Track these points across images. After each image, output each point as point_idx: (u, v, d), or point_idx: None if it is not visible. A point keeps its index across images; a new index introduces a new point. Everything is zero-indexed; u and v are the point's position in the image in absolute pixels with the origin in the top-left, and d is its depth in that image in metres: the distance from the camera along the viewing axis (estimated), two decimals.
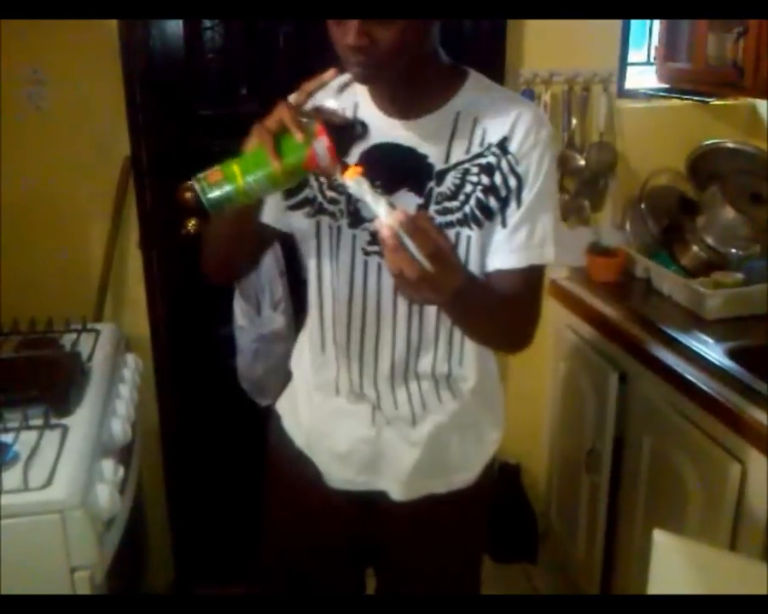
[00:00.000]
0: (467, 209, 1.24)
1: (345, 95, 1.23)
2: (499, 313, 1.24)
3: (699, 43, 2.26)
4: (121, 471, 1.46)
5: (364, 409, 1.37)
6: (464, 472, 1.44)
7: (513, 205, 1.24)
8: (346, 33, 1.09)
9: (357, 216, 1.28)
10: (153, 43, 2.05)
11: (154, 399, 2.24)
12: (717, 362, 1.85)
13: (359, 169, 1.05)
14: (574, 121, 2.34)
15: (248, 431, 1.88)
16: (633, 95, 2.48)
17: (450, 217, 1.25)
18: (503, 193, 1.23)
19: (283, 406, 1.52)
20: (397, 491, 1.40)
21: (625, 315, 2.18)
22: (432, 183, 1.24)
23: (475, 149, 1.24)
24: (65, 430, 1.45)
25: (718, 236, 2.26)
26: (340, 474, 1.42)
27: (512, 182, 1.23)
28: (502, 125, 1.23)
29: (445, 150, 1.24)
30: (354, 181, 1.04)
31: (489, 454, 1.48)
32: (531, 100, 2.27)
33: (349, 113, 1.24)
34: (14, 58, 2.00)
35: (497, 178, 1.23)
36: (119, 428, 1.58)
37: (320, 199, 1.30)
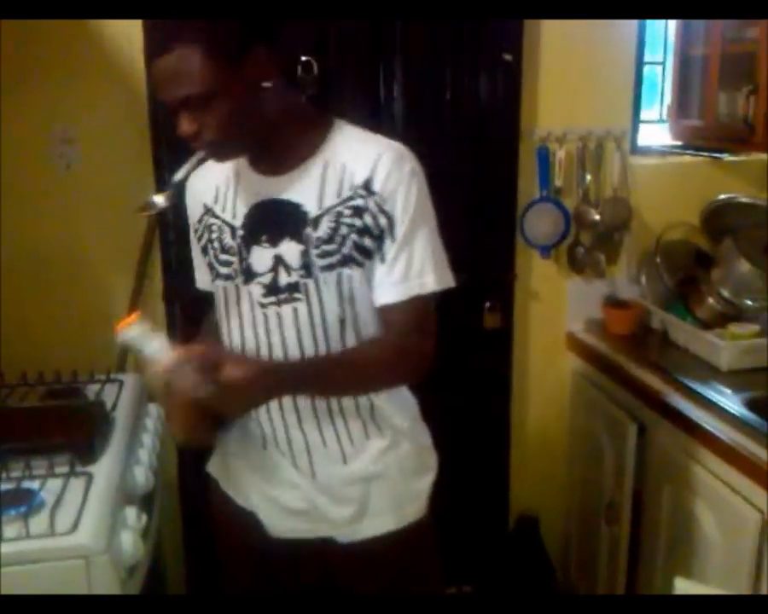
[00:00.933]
0: (345, 250, 1.30)
1: (227, 164, 1.36)
2: (365, 368, 1.31)
3: (710, 101, 2.32)
4: (144, 518, 1.48)
5: (293, 456, 1.39)
6: (410, 505, 1.44)
7: (388, 241, 1.29)
8: (179, 125, 1.23)
9: (249, 272, 1.34)
10: None
11: (173, 448, 2.27)
12: (735, 412, 1.86)
13: (132, 318, 1.20)
14: (589, 177, 2.39)
15: None
16: (646, 151, 2.53)
17: (330, 260, 1.30)
18: (376, 232, 1.29)
19: (216, 468, 1.54)
20: (343, 534, 1.41)
21: (642, 367, 2.19)
22: (309, 229, 1.30)
23: (345, 193, 1.29)
24: (90, 477, 1.47)
25: (733, 288, 2.28)
26: (282, 525, 1.43)
27: (382, 220, 1.29)
28: (364, 167, 1.29)
29: (317, 197, 1.30)
30: (124, 334, 1.19)
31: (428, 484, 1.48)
32: (545, 158, 2.34)
33: (231, 176, 1.38)
34: (45, 117, 2.08)
35: (368, 219, 1.28)
36: (142, 476, 1.60)
37: (215, 264, 1.39)
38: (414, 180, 1.29)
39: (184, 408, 1.18)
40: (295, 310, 1.32)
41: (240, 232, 1.35)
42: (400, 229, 1.29)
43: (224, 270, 1.37)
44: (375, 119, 2.20)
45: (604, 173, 2.41)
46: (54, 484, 1.44)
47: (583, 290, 2.50)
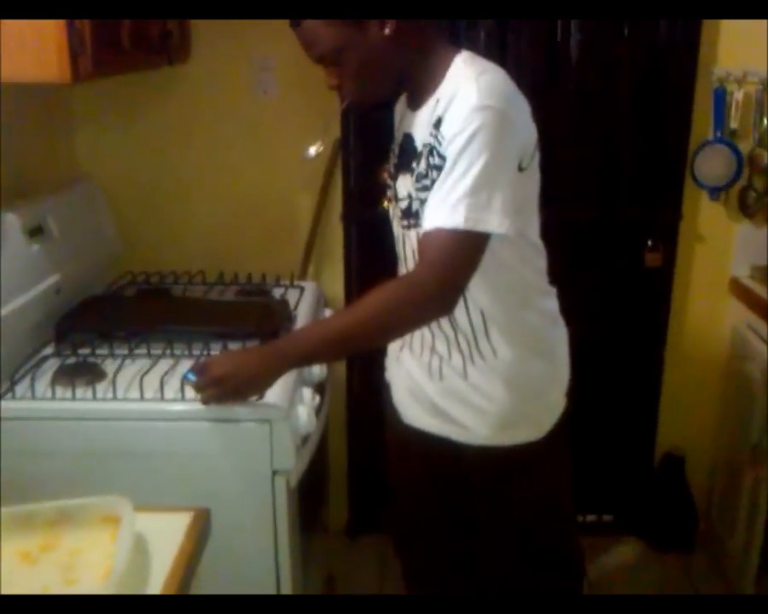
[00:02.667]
0: (430, 184, 1.37)
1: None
2: (374, 314, 1.37)
3: None
4: (317, 398, 1.71)
5: (419, 361, 1.54)
6: (522, 429, 1.51)
7: (441, 175, 1.33)
8: (327, 81, 1.43)
9: (396, 196, 1.50)
10: None
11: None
12: None
13: None
14: (766, 121, 2.35)
15: None
16: None
17: (425, 194, 1.38)
18: (436, 171, 1.34)
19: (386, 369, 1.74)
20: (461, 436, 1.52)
21: None
22: (414, 164, 1.41)
23: (431, 129, 1.37)
24: None
25: None
26: (412, 415, 1.60)
27: (438, 160, 1.34)
28: (444, 106, 1.35)
29: (424, 134, 1.40)
30: None
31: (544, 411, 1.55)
32: (721, 98, 2.32)
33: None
34: (249, 47, 2.32)
35: (435, 155, 1.35)
36: (317, 365, 1.83)
37: (388, 182, 1.56)
38: (476, 117, 1.28)
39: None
40: (416, 235, 1.44)
41: (394, 160, 1.53)
42: (447, 162, 1.32)
43: (389, 194, 1.56)
44: (548, 56, 2.27)
45: None
46: None
47: (751, 235, 2.47)
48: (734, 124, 2.36)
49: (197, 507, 1.24)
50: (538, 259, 1.54)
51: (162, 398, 1.54)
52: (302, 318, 1.98)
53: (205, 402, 1.48)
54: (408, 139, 1.47)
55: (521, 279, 1.49)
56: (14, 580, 1.06)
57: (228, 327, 1.80)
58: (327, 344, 1.43)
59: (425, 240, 1.36)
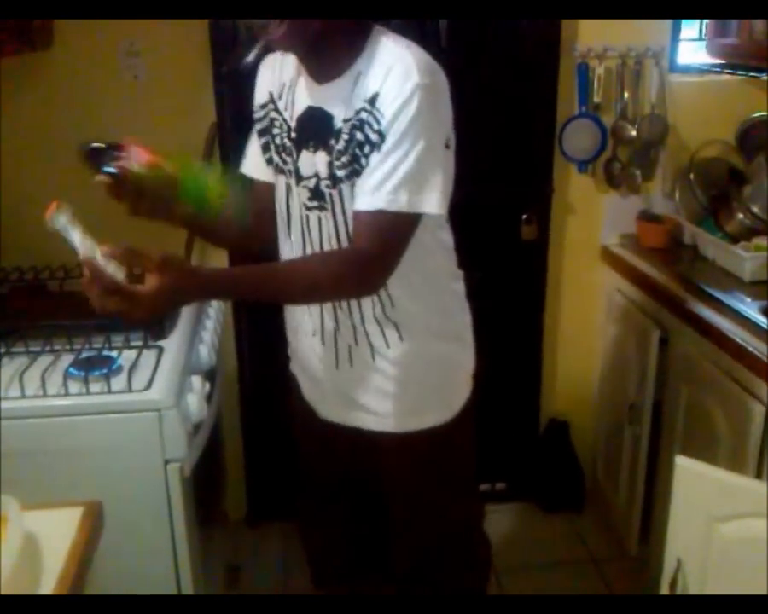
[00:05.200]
0: (354, 163, 1.33)
1: (292, 65, 1.43)
2: (304, 277, 1.32)
3: (746, 21, 2.36)
4: (207, 386, 1.69)
5: (330, 348, 1.51)
6: (432, 412, 1.52)
7: (375, 152, 1.30)
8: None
9: (298, 174, 1.42)
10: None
11: (232, 342, 2.48)
12: (752, 318, 1.97)
13: (53, 206, 1.21)
14: (627, 94, 2.48)
15: None
16: (685, 69, 2.58)
17: (345, 172, 1.35)
18: (368, 147, 1.31)
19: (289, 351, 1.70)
20: (374, 425, 1.52)
21: (670, 278, 2.30)
22: (332, 141, 1.36)
23: (359, 105, 1.32)
24: (160, 350, 1.69)
25: (763, 204, 2.36)
26: (323, 409, 1.59)
27: (373, 135, 1.30)
28: (375, 82, 1.30)
29: (344, 109, 1.34)
30: (49, 221, 1.20)
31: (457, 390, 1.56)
32: (585, 74, 2.43)
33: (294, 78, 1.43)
34: (114, 33, 2.24)
35: (368, 132, 1.30)
36: (206, 352, 1.81)
37: (276, 159, 1.47)
38: (417, 95, 1.26)
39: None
40: (325, 218, 1.41)
41: (293, 134, 1.44)
42: (388, 142, 1.28)
43: (283, 167, 1.46)
44: (418, 32, 2.30)
45: (642, 90, 2.49)
46: (129, 354, 1.66)
47: (618, 205, 2.61)
48: (597, 99, 2.47)
49: (87, 501, 1.21)
50: (450, 241, 1.54)
51: (45, 394, 1.49)
52: (188, 306, 1.94)
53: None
54: (316, 113, 1.39)
55: (435, 263, 1.48)
56: None
57: (110, 319, 1.75)
58: (258, 289, 1.34)
59: (365, 221, 1.31)
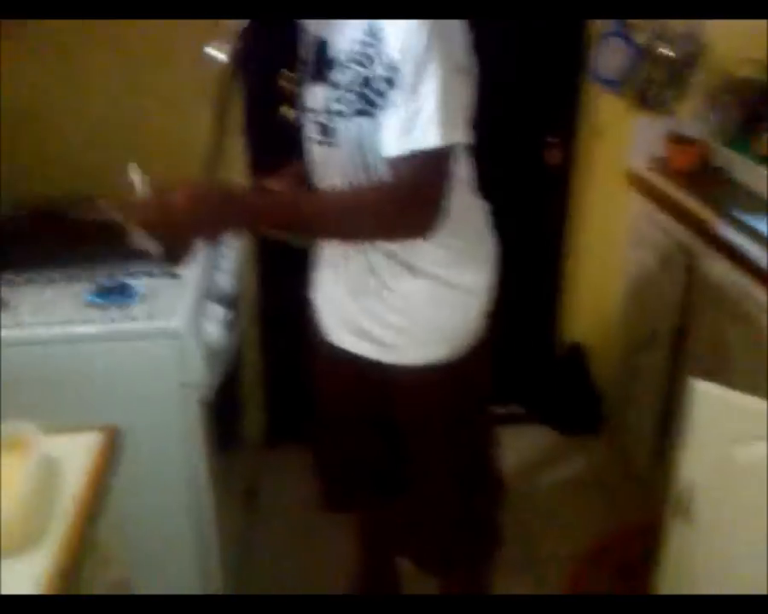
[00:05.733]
0: (355, 98, 1.28)
1: None
2: (349, 213, 1.29)
3: None
4: (227, 312, 1.71)
5: (339, 278, 1.50)
6: (435, 346, 1.49)
7: (393, 89, 1.24)
8: None
9: (306, 108, 1.41)
10: None
11: (253, 269, 2.50)
12: None
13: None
14: None
15: None
16: None
17: (351, 109, 1.30)
18: (382, 81, 1.24)
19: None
20: (386, 356, 1.50)
21: (699, 202, 2.25)
22: (332, 74, 1.31)
23: (358, 36, 1.26)
24: (179, 278, 1.70)
25: None
26: (336, 336, 1.58)
27: (386, 72, 1.24)
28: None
29: (340, 39, 1.29)
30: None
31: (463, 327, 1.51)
32: None
33: None
34: None
35: (377, 68, 1.24)
36: (225, 280, 1.82)
37: (298, 96, 1.46)
38: (430, 25, 1.20)
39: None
40: (332, 154, 1.37)
41: (303, 67, 1.42)
42: (406, 77, 1.22)
43: (300, 102, 1.44)
44: None
45: None
46: (150, 283, 1.68)
47: (649, 127, 2.53)
48: None
49: (105, 425, 1.24)
50: (465, 173, 1.48)
51: (68, 320, 1.51)
52: None
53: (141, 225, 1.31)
54: (322, 45, 1.35)
55: (452, 195, 1.41)
56: None
57: (129, 248, 1.76)
58: (295, 222, 1.32)
59: (403, 165, 1.26)
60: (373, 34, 1.25)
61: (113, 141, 2.33)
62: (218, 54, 1.43)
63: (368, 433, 1.69)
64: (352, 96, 1.29)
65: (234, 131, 2.39)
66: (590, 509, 2.49)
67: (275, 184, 1.55)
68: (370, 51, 1.25)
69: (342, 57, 1.30)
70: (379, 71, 1.25)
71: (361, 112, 1.29)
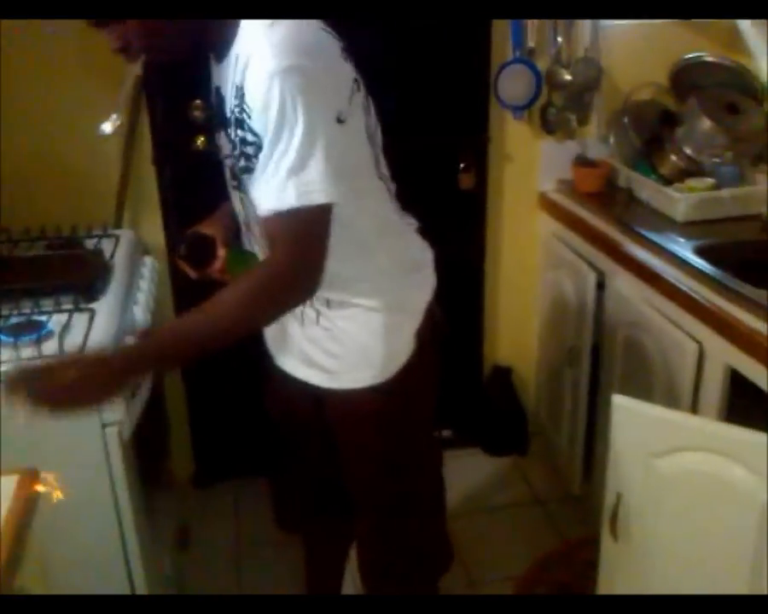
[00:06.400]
0: (240, 158, 1.30)
1: None
2: (243, 315, 1.29)
3: None
4: None
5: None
6: (368, 370, 1.50)
7: (258, 151, 1.25)
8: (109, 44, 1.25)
9: (221, 153, 1.42)
10: None
11: (171, 302, 2.44)
12: (684, 258, 2.00)
13: None
14: (560, 38, 2.47)
15: None
16: None
17: (239, 165, 1.32)
18: (251, 148, 1.27)
19: None
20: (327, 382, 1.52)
21: (606, 221, 2.33)
22: (229, 129, 1.32)
23: (234, 101, 1.28)
24: (92, 313, 1.64)
25: (695, 145, 2.40)
26: (280, 360, 1.59)
27: (250, 136, 1.25)
28: (240, 74, 1.24)
29: (231, 98, 1.29)
30: None
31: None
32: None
33: None
34: None
35: (246, 131, 1.26)
36: (140, 314, 1.77)
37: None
38: (276, 83, 1.18)
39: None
40: (245, 200, 1.39)
41: (211, 111, 1.44)
42: (264, 139, 1.23)
43: (215, 144, 1.46)
44: None
45: (576, 34, 2.48)
46: (60, 318, 1.61)
47: (555, 150, 2.62)
48: (531, 43, 2.46)
49: (22, 468, 1.18)
50: (379, 203, 1.48)
51: None
52: (120, 267, 1.90)
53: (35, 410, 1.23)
54: (219, 94, 1.36)
55: (358, 232, 1.42)
56: None
57: (39, 283, 1.71)
58: (187, 347, 1.32)
59: (268, 228, 1.28)
60: (240, 96, 1.25)
61: (23, 171, 2.26)
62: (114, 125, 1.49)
63: (315, 454, 1.69)
64: (238, 154, 1.31)
65: (145, 163, 2.35)
66: (527, 529, 2.52)
67: (208, 228, 1.55)
68: (242, 114, 1.26)
69: (229, 115, 1.31)
70: (247, 135, 1.26)
71: (246, 171, 1.31)
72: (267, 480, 1.87)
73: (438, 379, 1.65)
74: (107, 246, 2.02)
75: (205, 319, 1.30)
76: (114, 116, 1.51)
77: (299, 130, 1.20)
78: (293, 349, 1.54)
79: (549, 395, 2.75)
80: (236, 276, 1.48)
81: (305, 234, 1.27)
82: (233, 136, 1.31)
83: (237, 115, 1.27)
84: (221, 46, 1.30)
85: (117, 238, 2.08)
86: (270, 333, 1.60)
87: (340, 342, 1.48)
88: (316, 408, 1.57)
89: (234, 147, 1.32)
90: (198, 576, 2.27)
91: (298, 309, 1.46)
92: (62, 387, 1.21)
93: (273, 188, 1.23)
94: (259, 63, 1.20)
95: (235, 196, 1.46)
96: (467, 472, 2.78)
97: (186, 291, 2.44)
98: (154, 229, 2.37)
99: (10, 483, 1.16)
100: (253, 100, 1.22)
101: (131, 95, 2.25)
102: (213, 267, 1.51)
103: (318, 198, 1.23)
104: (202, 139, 2.38)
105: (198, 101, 2.34)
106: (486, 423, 2.88)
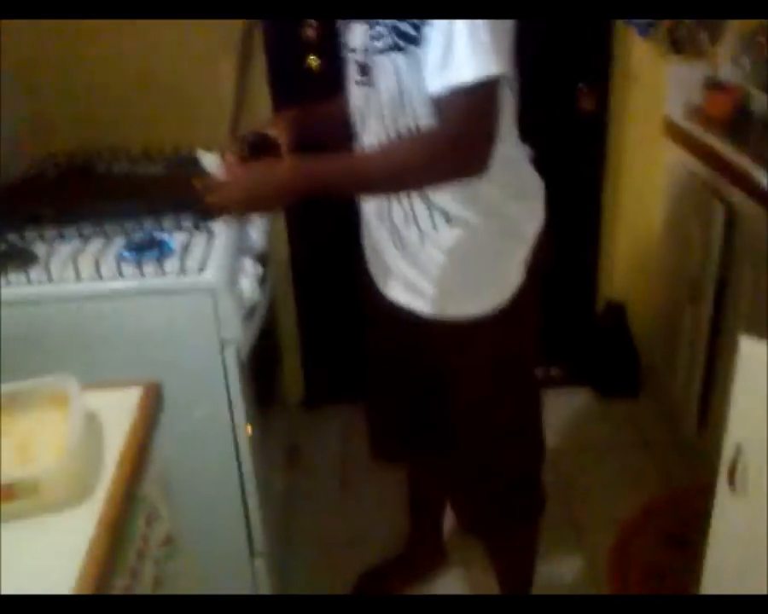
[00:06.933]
0: (390, 34, 1.26)
1: None
2: (396, 164, 1.29)
3: None
4: (259, 268, 1.67)
5: (386, 228, 1.47)
6: (478, 298, 1.46)
7: (425, 28, 1.22)
8: None
9: (347, 46, 1.40)
10: None
11: (284, 230, 2.46)
12: None
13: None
14: None
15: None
16: None
17: (380, 44, 1.29)
18: (409, 28, 1.24)
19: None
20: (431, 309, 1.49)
21: (738, 151, 2.18)
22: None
23: None
24: (211, 232, 1.66)
25: None
26: (384, 286, 1.55)
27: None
28: None
29: None
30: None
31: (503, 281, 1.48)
32: None
33: None
34: None
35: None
36: (257, 235, 1.78)
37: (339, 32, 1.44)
38: None
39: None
40: (371, 95, 1.35)
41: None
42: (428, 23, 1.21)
43: (341, 39, 1.42)
44: None
45: None
46: (181, 237, 1.63)
47: (684, 73, 2.44)
48: None
49: (146, 381, 1.21)
50: (509, 121, 1.42)
51: (99, 277, 1.48)
52: None
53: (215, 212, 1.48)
54: None
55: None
56: None
57: (161, 201, 1.73)
58: (350, 182, 1.35)
59: (444, 103, 1.24)
60: None
61: (139, 94, 2.30)
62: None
63: (417, 385, 1.66)
64: (386, 31, 1.27)
65: (259, 84, 2.34)
66: (634, 472, 2.44)
67: (272, 130, 1.56)
68: None
69: None
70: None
71: (395, 48, 1.27)
72: (364, 409, 1.86)
73: (540, 312, 1.59)
74: None
75: (380, 159, 1.35)
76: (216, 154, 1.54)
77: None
78: (397, 274, 1.51)
79: (666, 333, 2.63)
80: None
81: (480, 107, 1.24)
82: (385, 26, 1.27)
83: None
84: None
85: None
86: (373, 256, 1.58)
87: (446, 268, 1.44)
88: (418, 336, 1.55)
89: (381, 25, 1.28)
90: (304, 495, 2.33)
91: (400, 233, 1.44)
92: (240, 193, 1.37)
93: (452, 61, 1.20)
94: None
95: (359, 92, 1.40)
96: (574, 411, 2.72)
97: (296, 212, 2.48)
98: None
99: (135, 394, 1.19)
100: None
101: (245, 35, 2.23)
102: None
103: (495, 68, 1.20)
104: (315, 59, 2.36)
105: (311, 20, 2.32)
106: (598, 362, 2.79)
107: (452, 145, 1.25)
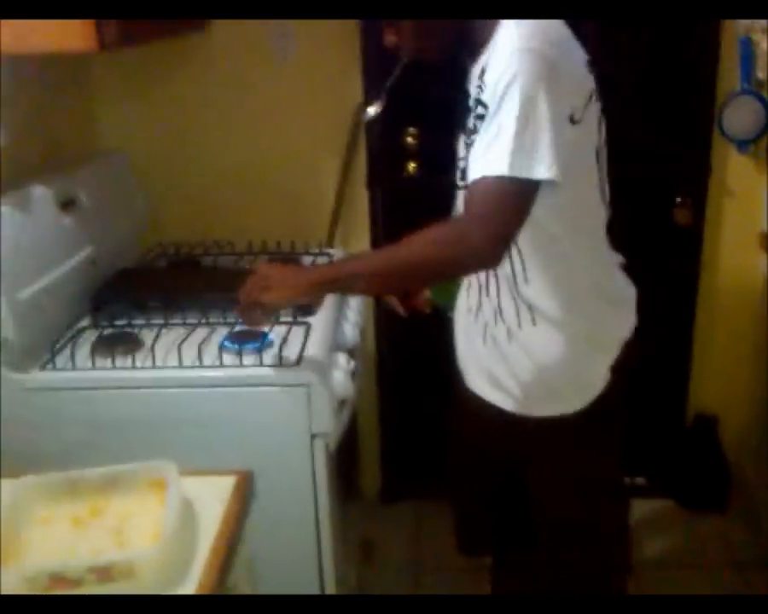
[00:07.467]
0: (473, 136, 1.32)
1: None
2: (410, 257, 1.30)
3: None
4: (352, 363, 1.71)
5: (475, 324, 1.51)
6: (560, 399, 1.46)
7: (481, 123, 1.28)
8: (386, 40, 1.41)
9: (455, 155, 1.45)
10: None
11: (372, 324, 2.51)
12: None
13: None
14: None
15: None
16: None
17: (468, 147, 1.35)
18: (479, 120, 1.29)
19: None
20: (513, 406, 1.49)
21: None
22: (466, 120, 1.37)
23: (478, 80, 1.33)
24: (308, 326, 1.72)
25: None
26: (471, 383, 1.57)
27: (480, 108, 1.29)
28: (486, 56, 1.31)
29: (473, 87, 1.35)
30: None
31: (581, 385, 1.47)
32: (748, 48, 2.27)
33: None
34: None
35: (478, 105, 1.30)
36: (350, 330, 1.83)
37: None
38: (515, 58, 1.21)
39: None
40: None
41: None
42: (490, 109, 1.25)
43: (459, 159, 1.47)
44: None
45: None
46: (279, 330, 1.69)
47: None
48: (761, 75, 2.31)
49: (241, 470, 1.25)
50: (595, 225, 1.45)
51: (201, 365, 1.55)
52: None
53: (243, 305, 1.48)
54: (466, 96, 1.41)
55: (570, 247, 1.40)
56: (65, 544, 1.07)
57: None
58: (364, 274, 1.37)
59: (471, 191, 1.28)
60: (481, 75, 1.31)
61: (245, 192, 2.42)
62: (376, 111, 1.63)
63: (499, 478, 1.67)
64: (474, 137, 1.33)
65: (360, 184, 2.44)
66: (725, 591, 2.31)
67: None
68: (477, 92, 1.31)
69: (471, 103, 1.36)
70: (478, 107, 1.30)
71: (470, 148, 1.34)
72: (449, 502, 1.85)
73: (627, 417, 1.58)
74: (321, 262, 2.11)
75: (387, 250, 1.38)
76: (378, 102, 1.63)
77: (524, 106, 1.20)
78: (482, 369, 1.53)
79: (758, 447, 2.54)
80: (441, 306, 1.64)
81: (508, 205, 1.25)
82: (471, 122, 1.34)
83: (476, 96, 1.32)
84: (478, 46, 1.35)
85: (330, 256, 2.16)
86: (462, 349, 1.59)
87: (530, 367, 1.45)
88: (502, 430, 1.55)
89: (469, 134, 1.35)
90: (379, 590, 2.28)
91: (488, 329, 1.47)
92: (264, 286, 1.42)
93: (491, 153, 1.23)
94: (505, 41, 1.25)
95: (461, 197, 1.44)
96: (658, 525, 2.63)
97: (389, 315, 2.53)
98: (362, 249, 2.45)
99: (229, 482, 1.23)
100: (491, 73, 1.26)
101: (352, 120, 2.34)
102: (417, 298, 1.58)
103: (531, 172, 1.21)
104: (413, 165, 2.44)
105: (411, 128, 2.41)
106: (685, 474, 2.70)
107: (465, 231, 1.26)
